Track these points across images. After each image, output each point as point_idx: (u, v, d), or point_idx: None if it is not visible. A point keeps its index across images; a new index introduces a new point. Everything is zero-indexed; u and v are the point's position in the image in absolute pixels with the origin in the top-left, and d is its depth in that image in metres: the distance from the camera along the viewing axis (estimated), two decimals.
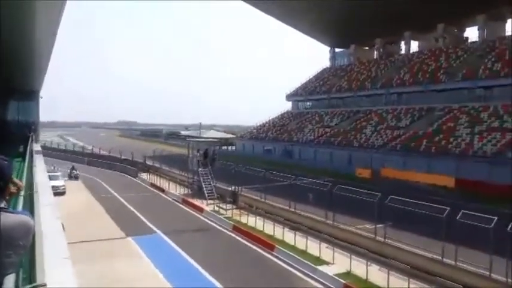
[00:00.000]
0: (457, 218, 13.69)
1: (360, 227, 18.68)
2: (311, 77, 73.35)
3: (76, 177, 37.22)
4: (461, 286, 13.05)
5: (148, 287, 14.01)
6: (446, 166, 33.41)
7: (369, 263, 14.93)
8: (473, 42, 52.27)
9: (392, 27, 56.23)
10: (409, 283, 13.11)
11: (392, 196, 16.57)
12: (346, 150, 45.91)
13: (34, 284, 1.90)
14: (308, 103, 68.92)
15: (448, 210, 14.39)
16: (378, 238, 16.88)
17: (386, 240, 16.49)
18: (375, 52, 67.44)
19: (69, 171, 37.99)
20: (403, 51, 62.93)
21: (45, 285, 1.81)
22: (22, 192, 3.96)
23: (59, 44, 14.91)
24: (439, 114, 44.37)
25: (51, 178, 15.51)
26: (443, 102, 45.63)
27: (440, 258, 14.21)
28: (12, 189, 1.96)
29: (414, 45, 62.00)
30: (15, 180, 2.02)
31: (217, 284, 14.28)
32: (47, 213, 3.98)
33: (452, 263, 13.86)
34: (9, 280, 1.62)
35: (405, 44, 62.15)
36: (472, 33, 54.71)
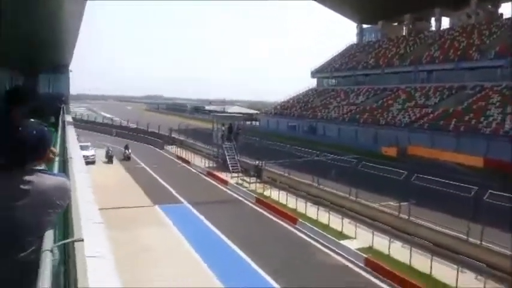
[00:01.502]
0: (484, 198, 13.52)
1: (384, 204, 18.66)
2: (337, 53, 71.84)
3: (129, 158, 33.63)
4: (484, 265, 13.00)
5: (173, 254, 14.56)
6: (476, 146, 32.59)
7: (391, 240, 15.02)
8: (508, 18, 49.70)
9: (423, 2, 54.05)
10: (431, 260, 13.14)
11: (418, 174, 16.45)
12: (372, 128, 45.22)
13: (72, 239, 2.04)
14: (333, 80, 67.77)
15: (475, 189, 14.20)
16: (402, 215, 16.86)
17: (410, 217, 16.46)
18: (404, 28, 65.13)
19: (123, 149, 34.71)
20: (433, 28, 60.55)
21: (82, 240, 1.94)
22: (57, 159, 4.14)
23: (87, 18, 15.14)
24: (469, 92, 42.93)
25: (82, 148, 16.02)
26: (474, 80, 44.02)
27: (465, 237, 14.13)
28: (51, 155, 2.08)
29: (445, 22, 59.53)
30: (52, 148, 2.12)
31: (240, 253, 14.71)
32: (80, 179, 4.17)
33: (478, 242, 13.77)
34: (49, 237, 1.73)
35: (436, 20, 59.62)
36: (507, 9, 52.04)
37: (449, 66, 47.56)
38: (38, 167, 1.91)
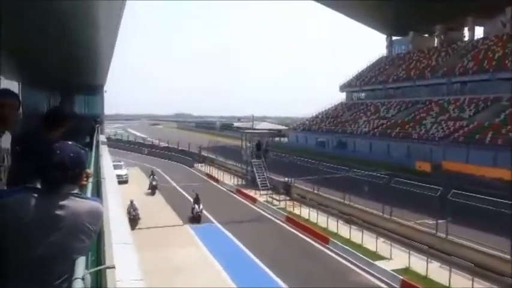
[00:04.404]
0: None
1: (420, 222, 17.97)
2: (366, 66, 71.08)
3: (199, 217, 21.52)
4: None
5: (204, 274, 14.48)
6: None
7: (429, 260, 14.39)
8: None
9: (455, 12, 52.78)
10: (473, 282, 12.47)
11: (455, 190, 15.81)
12: (404, 142, 44.09)
13: (104, 266, 2.02)
14: (363, 94, 66.87)
15: None
16: (439, 234, 16.18)
17: (448, 236, 15.77)
18: (436, 39, 63.76)
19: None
20: (466, 38, 58.99)
21: (114, 267, 1.92)
22: (91, 179, 4.19)
23: (121, 40, 15.74)
24: (506, 104, 41.28)
25: (115, 167, 16.39)
26: (511, 91, 42.31)
27: (508, 257, 13.35)
28: (84, 180, 2.05)
29: (479, 31, 57.86)
30: (87, 169, 2.09)
31: (271, 274, 14.46)
32: (113, 200, 4.20)
33: None
34: (81, 263, 1.71)
35: (469, 30, 58.08)
36: None
37: (484, 77, 45.99)
38: (72, 191, 1.88)
